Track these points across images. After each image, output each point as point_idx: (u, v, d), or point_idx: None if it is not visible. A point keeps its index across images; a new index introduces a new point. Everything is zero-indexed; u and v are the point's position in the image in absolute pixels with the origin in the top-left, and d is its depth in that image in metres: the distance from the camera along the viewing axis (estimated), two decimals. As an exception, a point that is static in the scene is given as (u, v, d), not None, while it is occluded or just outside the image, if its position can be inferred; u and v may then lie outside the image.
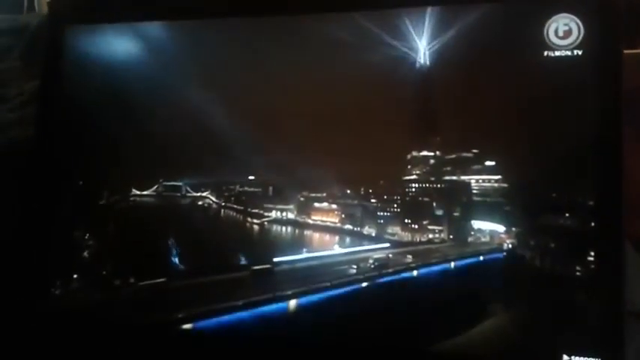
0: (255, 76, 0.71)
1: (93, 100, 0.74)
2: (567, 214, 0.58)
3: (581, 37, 0.57)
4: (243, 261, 0.72)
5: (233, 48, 0.71)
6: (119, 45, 0.73)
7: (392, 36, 0.64)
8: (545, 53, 0.59)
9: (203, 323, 0.66)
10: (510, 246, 0.62)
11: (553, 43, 0.58)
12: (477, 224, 0.67)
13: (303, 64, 0.69)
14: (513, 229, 0.63)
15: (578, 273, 0.56)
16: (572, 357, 0.54)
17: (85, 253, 0.74)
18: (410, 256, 0.70)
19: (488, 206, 0.66)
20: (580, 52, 0.58)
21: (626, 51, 0.56)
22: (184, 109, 0.73)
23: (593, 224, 0.56)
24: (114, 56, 0.73)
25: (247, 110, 0.72)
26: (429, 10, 0.62)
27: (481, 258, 0.66)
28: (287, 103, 0.70)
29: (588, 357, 0.54)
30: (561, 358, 0.55)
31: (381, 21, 0.64)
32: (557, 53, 0.58)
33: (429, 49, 0.64)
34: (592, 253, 0.55)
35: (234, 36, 0.70)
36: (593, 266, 0.55)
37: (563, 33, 0.58)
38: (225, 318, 0.66)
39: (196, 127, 0.72)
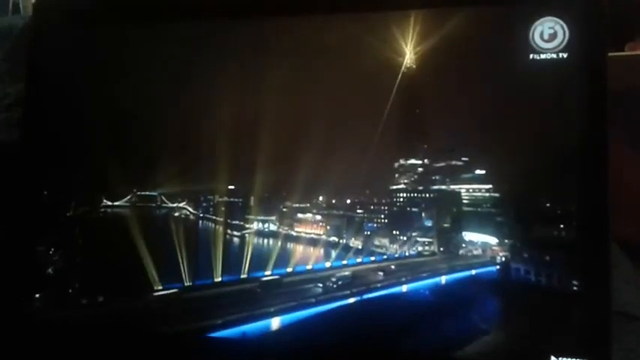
0: (235, 82, 0.69)
1: (73, 104, 0.72)
2: (553, 216, 0.57)
3: (566, 40, 0.58)
4: (225, 275, 0.69)
5: (211, 54, 0.69)
6: (103, 49, 0.72)
7: (377, 40, 0.64)
8: (531, 56, 0.59)
9: (177, 340, 0.64)
10: (500, 252, 0.60)
11: (538, 47, 0.58)
12: (467, 235, 0.64)
13: (285, 69, 0.67)
14: (506, 240, 0.61)
15: (565, 274, 0.55)
16: (560, 358, 0.53)
17: (50, 270, 0.69)
18: (381, 273, 0.68)
19: (479, 216, 0.64)
20: (565, 55, 0.58)
21: (611, 54, 0.56)
22: (162, 115, 0.71)
23: (580, 227, 0.54)
24: (97, 60, 0.72)
25: (227, 117, 0.69)
26: (414, 13, 0.62)
27: (473, 272, 0.64)
28: (269, 110, 0.68)
29: (576, 358, 0.53)
30: (549, 359, 0.53)
31: (366, 25, 0.64)
32: (542, 56, 0.58)
33: (415, 53, 0.64)
34: (579, 256, 0.54)
35: (212, 42, 0.69)
36: (580, 267, 0.54)
37: (549, 36, 0.58)
38: (201, 336, 0.63)
39: (174, 134, 0.70)
